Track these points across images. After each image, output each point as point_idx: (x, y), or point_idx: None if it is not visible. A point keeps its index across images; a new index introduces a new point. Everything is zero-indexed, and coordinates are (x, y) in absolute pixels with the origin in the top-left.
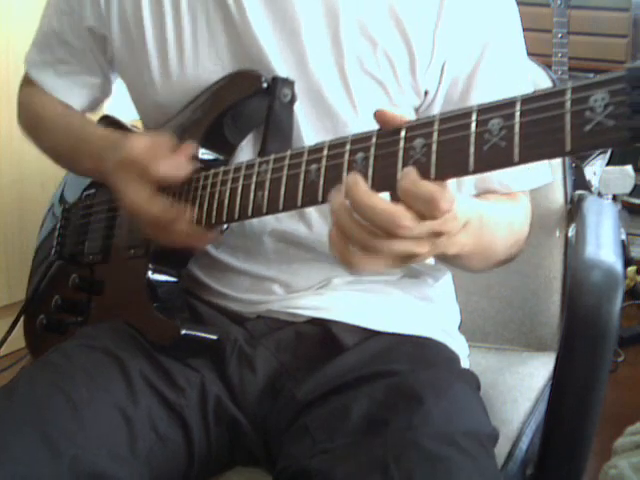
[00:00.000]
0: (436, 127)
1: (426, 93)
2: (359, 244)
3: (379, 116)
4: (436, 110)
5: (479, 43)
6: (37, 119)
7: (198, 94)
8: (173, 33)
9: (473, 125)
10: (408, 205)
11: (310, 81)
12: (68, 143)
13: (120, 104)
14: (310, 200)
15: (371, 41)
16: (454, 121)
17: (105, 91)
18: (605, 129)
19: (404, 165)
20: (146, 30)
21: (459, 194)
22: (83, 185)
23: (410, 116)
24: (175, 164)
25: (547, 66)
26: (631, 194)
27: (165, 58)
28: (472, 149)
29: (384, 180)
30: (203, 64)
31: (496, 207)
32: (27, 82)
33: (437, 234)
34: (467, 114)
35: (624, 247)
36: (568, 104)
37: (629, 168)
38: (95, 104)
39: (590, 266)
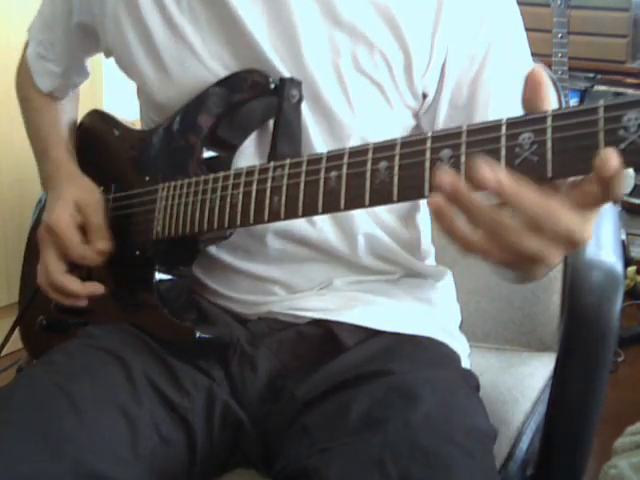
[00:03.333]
0: (464, 139)
1: (425, 96)
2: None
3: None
4: (441, 115)
5: (483, 44)
6: (24, 100)
7: (199, 93)
8: (173, 33)
9: (503, 139)
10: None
11: (306, 79)
12: (35, 145)
13: (120, 104)
14: (331, 207)
15: (368, 43)
16: (483, 133)
17: (73, 79)
18: (639, 148)
19: (431, 177)
20: (145, 29)
21: None
22: None
23: (407, 119)
24: (88, 255)
25: (547, 66)
26: (631, 194)
27: (165, 57)
28: (503, 162)
29: (410, 191)
30: (204, 63)
31: None
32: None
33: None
34: (496, 127)
35: (624, 247)
36: (601, 122)
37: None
38: (63, 91)
39: (590, 266)
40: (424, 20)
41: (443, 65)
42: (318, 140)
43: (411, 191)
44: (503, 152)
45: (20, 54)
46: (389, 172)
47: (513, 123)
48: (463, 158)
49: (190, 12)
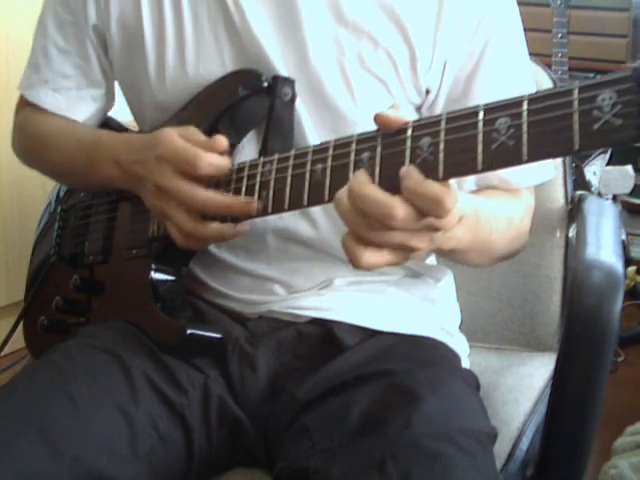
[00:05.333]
0: (443, 126)
1: (427, 92)
2: (356, 232)
3: (379, 119)
4: (439, 109)
5: (481, 40)
6: (40, 137)
7: (197, 93)
8: (174, 32)
9: (480, 124)
10: (412, 203)
11: (311, 77)
12: (82, 153)
13: (120, 103)
14: (316, 200)
15: (372, 40)
16: (461, 120)
17: (108, 101)
18: (613, 128)
19: (411, 164)
20: (145, 29)
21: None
22: None
23: (411, 114)
24: (220, 162)
25: (547, 66)
26: (631, 194)
27: (165, 57)
28: (480, 148)
29: (391, 180)
30: (204, 63)
31: (494, 201)
32: (22, 106)
33: (435, 229)
34: (473, 113)
35: (624, 247)
36: (576, 103)
37: (629, 168)
38: (100, 116)
39: (590, 266)
40: (427, 17)
41: (445, 62)
42: (315, 138)
43: (392, 182)
44: (480, 138)
45: (20, 55)
46: (371, 163)
47: (490, 108)
48: (442, 145)
49: (191, 13)
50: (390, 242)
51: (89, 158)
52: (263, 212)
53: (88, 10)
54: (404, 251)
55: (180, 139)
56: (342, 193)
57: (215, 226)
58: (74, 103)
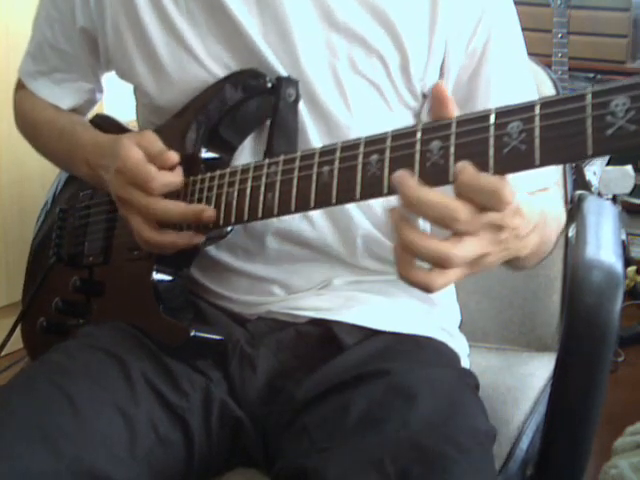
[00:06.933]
0: (453, 130)
1: (425, 96)
2: (424, 255)
3: (437, 89)
4: None
5: (481, 39)
6: (33, 124)
7: (198, 94)
8: (173, 34)
9: (492, 128)
10: (467, 199)
11: (304, 83)
12: (62, 149)
13: (119, 104)
14: (323, 202)
15: (364, 45)
16: (471, 124)
17: (97, 95)
18: (626, 134)
19: (421, 168)
20: (143, 32)
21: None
22: (78, 184)
23: (407, 119)
24: (171, 180)
25: (547, 66)
26: (631, 194)
27: (163, 60)
28: (492, 152)
29: None
30: (204, 64)
31: (549, 204)
32: (21, 86)
33: (499, 227)
34: (485, 117)
35: (624, 247)
36: (589, 108)
37: (629, 168)
38: (88, 107)
39: (590, 266)
40: (420, 21)
41: (442, 64)
42: (316, 141)
43: None
44: (492, 141)
45: (19, 53)
46: (380, 165)
47: (502, 112)
48: (452, 149)
49: (189, 14)
50: (460, 255)
51: (67, 155)
52: (269, 214)
53: (76, 12)
54: (474, 261)
55: (137, 153)
56: (398, 215)
57: (170, 235)
58: (67, 94)
